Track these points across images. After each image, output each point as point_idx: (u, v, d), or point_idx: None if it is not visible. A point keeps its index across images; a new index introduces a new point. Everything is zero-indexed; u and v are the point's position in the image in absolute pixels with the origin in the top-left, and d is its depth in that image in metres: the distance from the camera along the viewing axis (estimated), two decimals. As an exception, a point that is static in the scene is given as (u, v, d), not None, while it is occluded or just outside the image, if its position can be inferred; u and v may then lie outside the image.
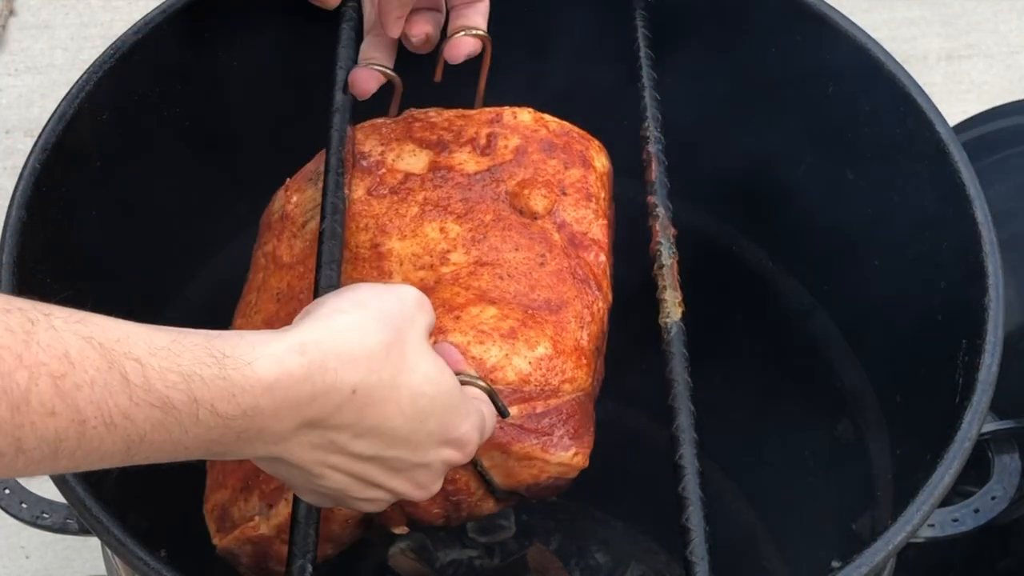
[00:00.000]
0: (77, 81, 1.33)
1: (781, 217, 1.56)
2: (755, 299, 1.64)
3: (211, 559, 1.64)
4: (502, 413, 1.08)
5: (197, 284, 1.58)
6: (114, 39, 1.37)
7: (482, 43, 1.29)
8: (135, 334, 0.80)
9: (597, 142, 1.34)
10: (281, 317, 1.25)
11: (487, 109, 1.34)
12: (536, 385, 1.16)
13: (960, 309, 1.27)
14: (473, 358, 1.15)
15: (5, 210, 1.25)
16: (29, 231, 1.25)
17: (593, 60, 1.50)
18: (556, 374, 1.17)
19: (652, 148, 1.30)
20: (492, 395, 1.06)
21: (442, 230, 1.25)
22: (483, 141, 1.30)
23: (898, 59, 1.39)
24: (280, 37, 1.47)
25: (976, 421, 1.17)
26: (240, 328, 1.24)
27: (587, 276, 1.23)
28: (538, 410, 1.16)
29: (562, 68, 1.49)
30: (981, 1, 2.89)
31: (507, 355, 1.16)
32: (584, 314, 1.21)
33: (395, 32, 1.26)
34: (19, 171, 1.28)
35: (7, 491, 1.30)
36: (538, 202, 1.26)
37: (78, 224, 1.35)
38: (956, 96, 2.71)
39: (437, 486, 1.02)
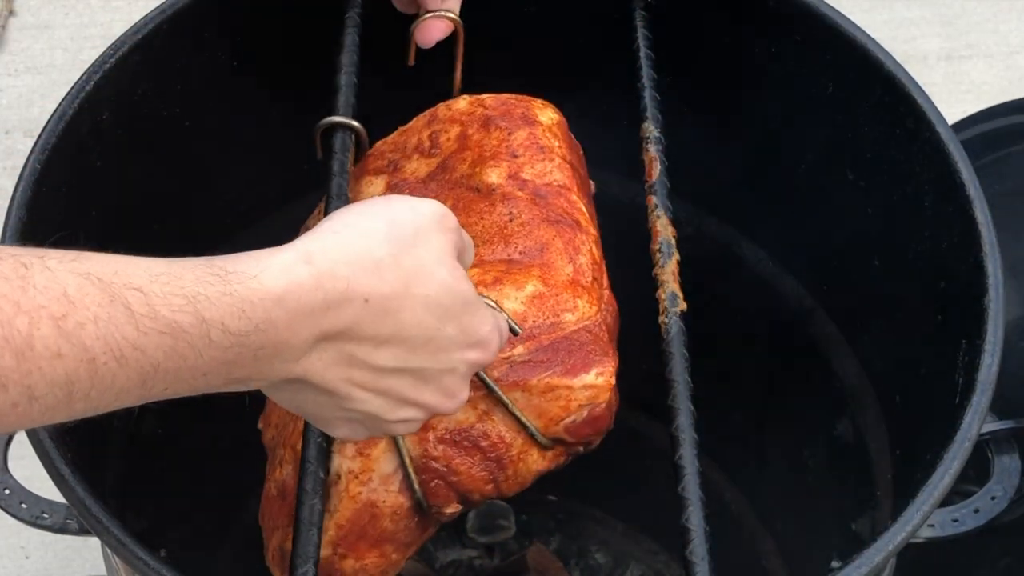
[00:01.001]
0: (77, 81, 1.33)
1: (781, 217, 1.56)
2: (755, 299, 1.64)
3: (211, 559, 1.64)
4: (513, 330, 1.07)
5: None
6: (114, 39, 1.37)
7: (454, 26, 1.27)
8: (133, 263, 0.79)
9: (540, 100, 1.32)
10: None
11: (422, 114, 1.33)
12: (535, 322, 1.15)
13: (960, 309, 1.27)
14: None
15: (5, 210, 1.25)
16: (29, 231, 1.25)
17: (593, 60, 1.50)
18: (552, 307, 1.16)
19: (652, 148, 1.30)
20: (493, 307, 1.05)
21: None
22: (427, 144, 1.30)
23: (898, 59, 1.39)
24: (280, 37, 1.48)
25: (976, 421, 1.17)
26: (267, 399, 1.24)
27: (561, 217, 1.22)
28: (545, 343, 1.15)
29: (562, 68, 1.49)
30: (981, 1, 2.89)
31: (496, 301, 1.14)
32: (567, 248, 1.20)
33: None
34: (19, 171, 1.28)
35: (7, 491, 1.30)
36: (490, 174, 1.25)
37: (78, 224, 1.35)
38: (956, 96, 2.71)
39: (465, 393, 1.00)
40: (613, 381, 1.16)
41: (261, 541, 1.74)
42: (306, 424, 1.06)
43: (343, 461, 1.14)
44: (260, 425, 1.30)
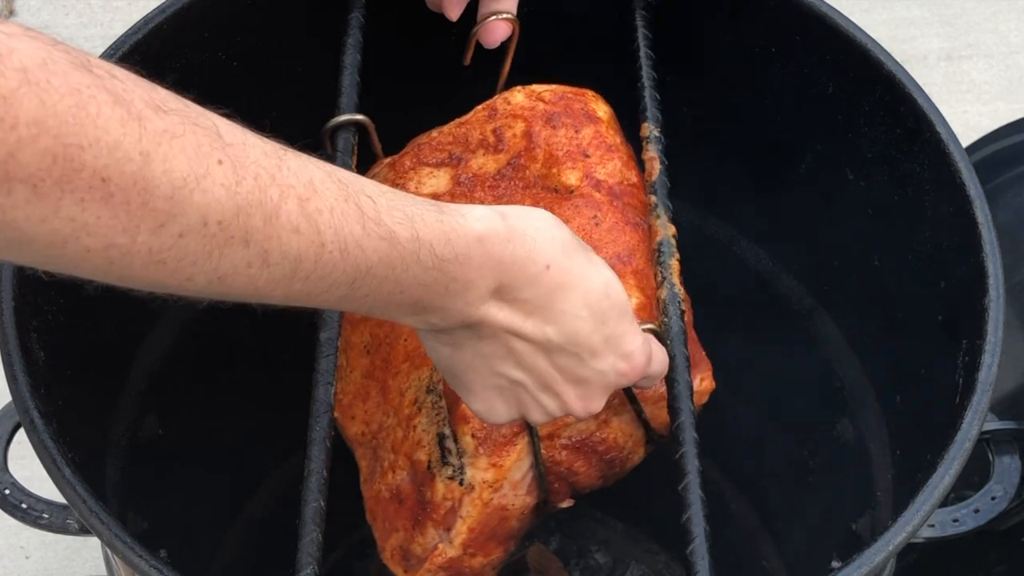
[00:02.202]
0: (77, 81, 1.33)
1: (781, 217, 1.56)
2: (755, 299, 1.64)
3: (211, 559, 1.64)
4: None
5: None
6: (114, 39, 1.37)
7: (512, 27, 1.33)
8: (364, 179, 0.88)
9: (591, 92, 1.34)
10: (377, 365, 1.28)
11: (480, 107, 1.34)
12: None
13: (960, 309, 1.27)
14: None
15: (5, 210, 1.25)
16: (29, 231, 1.24)
17: (593, 60, 1.50)
18: (653, 315, 1.19)
19: (652, 148, 1.30)
20: (658, 335, 1.12)
21: None
22: (491, 139, 1.31)
23: (898, 59, 1.39)
24: (281, 37, 1.47)
25: (976, 421, 1.17)
26: (340, 391, 1.29)
27: (638, 220, 1.25)
28: None
29: (561, 68, 1.49)
30: (981, 1, 2.89)
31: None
32: (649, 252, 1.23)
33: (455, 14, 1.32)
34: (19, 171, 1.28)
35: (7, 491, 1.30)
36: (568, 176, 1.27)
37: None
38: (956, 96, 2.71)
39: (600, 404, 1.05)
40: (714, 384, 1.24)
41: (260, 541, 1.74)
42: (310, 425, 1.07)
43: (476, 472, 1.19)
44: (336, 414, 1.31)
